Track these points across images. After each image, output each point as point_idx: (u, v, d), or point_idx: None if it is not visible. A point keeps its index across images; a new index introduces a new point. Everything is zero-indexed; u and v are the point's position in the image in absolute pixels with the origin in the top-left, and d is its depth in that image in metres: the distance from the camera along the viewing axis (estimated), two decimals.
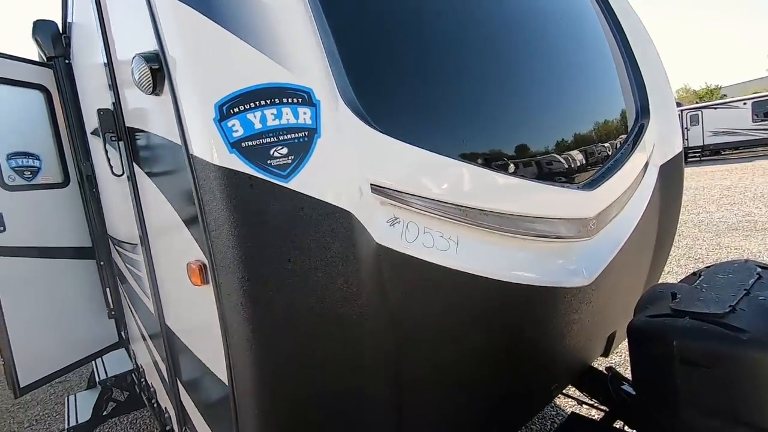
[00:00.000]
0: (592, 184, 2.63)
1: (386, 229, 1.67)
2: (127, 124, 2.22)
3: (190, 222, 1.53)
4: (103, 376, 4.88)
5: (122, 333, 4.71)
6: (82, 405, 4.92)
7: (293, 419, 1.51)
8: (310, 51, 1.50)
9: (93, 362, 5.07)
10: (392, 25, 1.87)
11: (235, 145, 1.32)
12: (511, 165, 2.11)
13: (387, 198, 1.68)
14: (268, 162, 1.34)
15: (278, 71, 1.40)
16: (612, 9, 3.45)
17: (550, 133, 2.43)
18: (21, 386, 4.06)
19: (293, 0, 1.55)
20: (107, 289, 4.61)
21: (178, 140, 1.41)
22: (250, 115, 1.33)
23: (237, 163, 1.31)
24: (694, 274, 2.35)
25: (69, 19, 3.87)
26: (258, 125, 1.34)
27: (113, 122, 2.25)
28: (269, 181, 1.34)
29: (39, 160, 4.28)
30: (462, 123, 1.99)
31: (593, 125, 2.84)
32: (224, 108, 1.31)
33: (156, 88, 1.48)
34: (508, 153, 2.14)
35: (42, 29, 4.12)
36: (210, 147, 1.31)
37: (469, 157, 1.92)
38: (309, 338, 1.43)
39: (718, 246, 8.57)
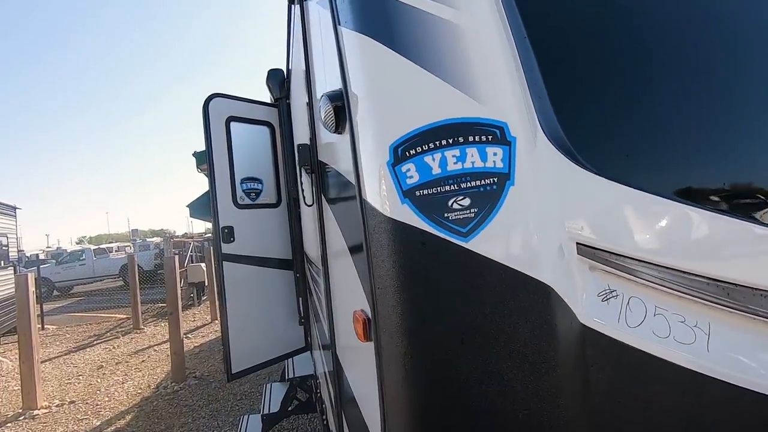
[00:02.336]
0: None
1: (597, 305, 1.22)
2: (319, 158, 2.34)
3: (359, 269, 1.42)
4: (291, 374, 5.50)
5: (308, 339, 5.22)
6: (276, 395, 5.63)
7: None
8: (503, 77, 1.21)
9: (286, 361, 5.78)
10: (612, 37, 1.42)
11: (408, 194, 1.12)
12: None
13: (599, 262, 1.23)
14: (446, 215, 1.10)
15: (463, 103, 1.15)
16: None
17: None
18: (232, 372, 4.80)
19: (485, 17, 1.28)
20: (299, 299, 5.17)
21: (353, 180, 1.30)
22: (428, 158, 1.12)
23: (409, 215, 1.11)
24: None
25: (290, 66, 4.56)
26: (436, 170, 1.11)
27: (309, 156, 2.39)
28: (444, 239, 1.10)
29: (261, 183, 5.11)
30: (717, 160, 1.37)
31: None
32: (399, 150, 1.13)
33: (338, 127, 1.41)
34: None
35: (273, 76, 4.97)
36: (381, 194, 1.15)
37: (730, 207, 1.30)
38: None
39: None
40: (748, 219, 1.32)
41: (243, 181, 4.98)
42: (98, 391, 7.72)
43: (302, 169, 2.42)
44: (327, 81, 1.73)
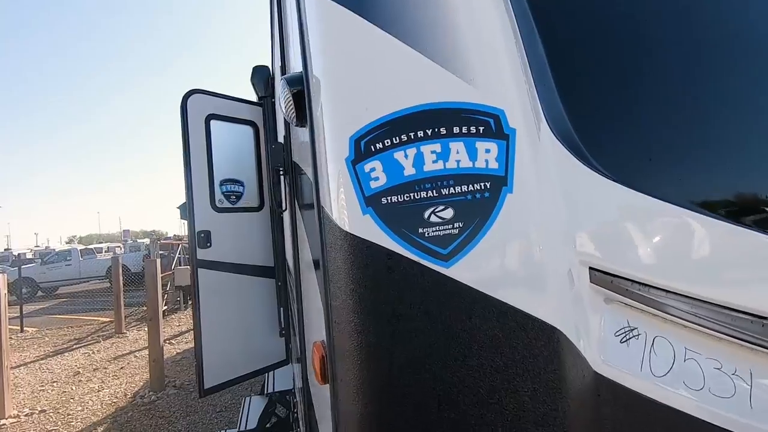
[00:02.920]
0: None
1: (614, 347, 0.96)
2: (293, 159, 2.08)
3: (321, 291, 1.15)
4: (271, 388, 5.19)
5: (289, 351, 4.93)
6: (254, 410, 5.31)
7: None
8: (500, 51, 0.94)
9: (266, 374, 5.47)
10: (633, 15, 1.17)
11: (371, 201, 0.85)
12: None
13: (617, 292, 0.97)
14: (421, 231, 0.83)
15: (447, 82, 0.88)
16: None
17: None
18: (205, 388, 4.49)
19: None
20: (281, 309, 4.88)
21: (312, 182, 1.04)
22: (398, 155, 0.85)
23: (371, 230, 0.84)
24: None
25: (275, 62, 4.30)
26: (409, 170, 0.84)
27: (281, 156, 2.14)
28: (418, 263, 0.82)
29: (243, 186, 4.83)
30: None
31: None
32: (362, 143, 0.86)
33: (300, 118, 1.15)
34: None
35: (258, 73, 4.71)
36: (338, 200, 0.87)
37: None
38: None
39: None
40: None
41: (223, 183, 4.70)
42: (72, 400, 7.38)
43: (275, 170, 2.17)
44: (295, 69, 1.47)
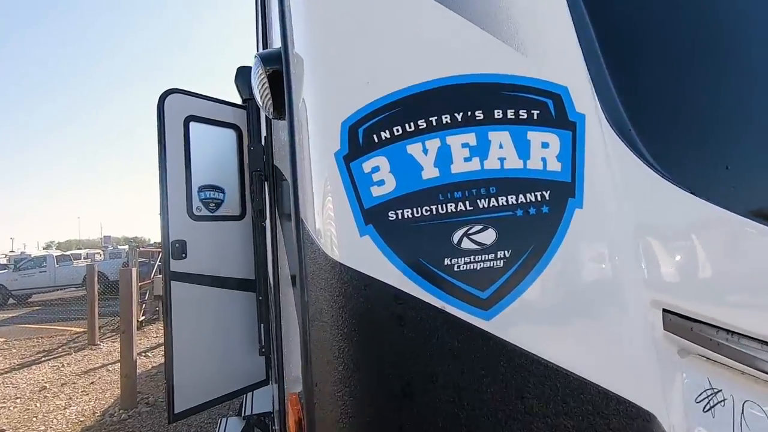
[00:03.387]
0: None
1: (696, 417, 0.70)
2: (274, 162, 1.81)
3: (300, 343, 0.86)
4: (249, 410, 4.85)
5: (269, 371, 4.62)
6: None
7: None
8: (557, 17, 0.67)
9: (245, 395, 5.13)
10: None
11: (373, 216, 0.57)
12: None
13: (697, 343, 0.72)
14: (447, 263, 0.55)
15: (485, 47, 0.61)
16: None
17: None
18: (175, 412, 4.13)
19: None
20: (261, 325, 4.56)
21: (291, 188, 0.77)
22: (413, 148, 0.58)
23: (373, 259, 0.56)
24: None
25: None
26: (430, 172, 0.57)
27: (260, 158, 1.87)
28: (445, 312, 0.55)
29: (223, 193, 4.54)
30: None
31: None
32: (360, 131, 0.59)
33: (278, 107, 0.88)
34: None
35: (242, 74, 4.45)
36: (323, 215, 0.60)
37: None
38: None
39: None
40: None
41: (201, 189, 4.39)
42: (35, 418, 6.88)
43: (255, 175, 1.90)
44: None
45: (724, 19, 0.81)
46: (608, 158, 0.60)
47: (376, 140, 0.58)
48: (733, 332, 0.74)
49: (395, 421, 0.53)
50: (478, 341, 0.53)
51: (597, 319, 0.55)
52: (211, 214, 4.51)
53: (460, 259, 0.55)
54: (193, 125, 4.46)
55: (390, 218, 0.57)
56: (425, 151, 0.57)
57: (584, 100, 0.60)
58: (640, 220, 0.67)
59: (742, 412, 0.74)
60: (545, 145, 0.57)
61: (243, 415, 5.11)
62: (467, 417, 0.51)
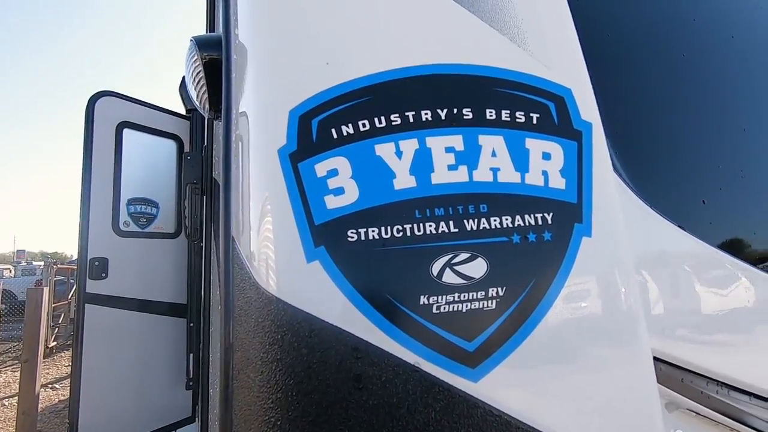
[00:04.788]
0: None
1: None
2: (214, 175, 1.62)
3: (219, 397, 0.66)
4: None
5: (196, 407, 4.16)
6: None
7: None
8: (562, 16, 0.58)
9: None
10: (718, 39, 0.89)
11: (325, 235, 0.42)
12: None
13: (687, 396, 0.64)
14: (424, 303, 0.42)
15: (479, 34, 0.50)
16: None
17: None
18: None
19: None
20: (190, 355, 4.13)
21: (222, 196, 0.60)
22: (383, 149, 0.44)
23: (324, 294, 0.41)
24: None
25: None
26: (404, 180, 0.44)
27: (199, 170, 1.67)
28: (420, 370, 0.42)
29: (157, 207, 4.17)
30: None
31: None
32: (314, 123, 0.45)
33: (213, 103, 0.73)
34: None
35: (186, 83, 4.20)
36: (259, 232, 0.45)
37: None
38: None
39: None
40: None
41: (131, 202, 3.99)
42: None
43: (186, 189, 1.69)
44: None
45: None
46: (618, 185, 0.51)
47: (335, 136, 0.44)
48: (723, 384, 0.66)
49: None
50: (462, 410, 0.39)
51: (609, 380, 0.44)
52: (140, 230, 4.11)
53: (440, 297, 0.42)
54: (127, 132, 4.11)
55: (349, 239, 0.42)
56: (399, 153, 0.44)
57: (591, 106, 0.50)
58: (637, 254, 0.58)
59: None
60: (546, 156, 0.46)
61: None
62: None
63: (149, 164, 4.19)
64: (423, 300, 0.41)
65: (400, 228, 0.42)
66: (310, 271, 0.41)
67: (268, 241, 0.43)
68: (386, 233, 0.42)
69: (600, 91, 0.52)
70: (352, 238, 0.42)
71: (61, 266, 13.74)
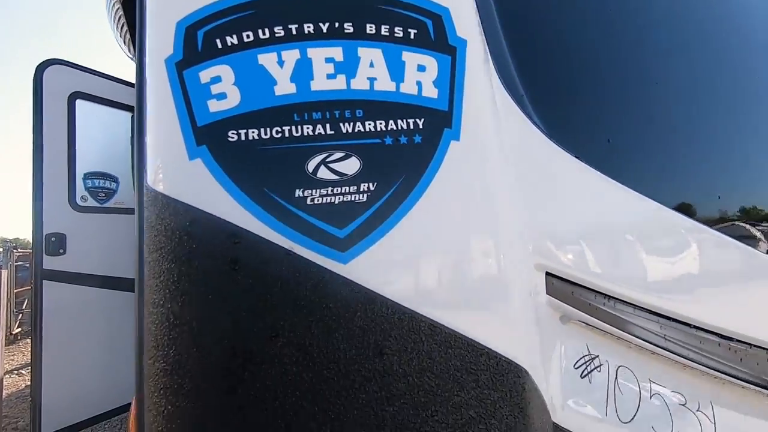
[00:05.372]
0: None
1: (574, 384, 0.68)
2: None
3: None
4: None
5: None
6: None
7: None
8: None
9: None
10: None
11: (207, 136, 0.45)
12: None
13: (577, 308, 0.71)
14: (299, 195, 0.45)
15: None
16: None
17: None
18: None
19: None
20: None
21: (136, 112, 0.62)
22: (266, 58, 0.47)
23: (204, 188, 0.44)
24: None
25: None
26: (285, 86, 0.47)
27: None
28: (293, 253, 0.46)
29: (116, 182, 4.04)
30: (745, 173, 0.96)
31: None
32: (199, 34, 0.47)
33: (134, 40, 0.73)
34: None
35: None
36: (156, 133, 0.48)
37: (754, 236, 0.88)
38: None
39: None
40: None
41: (88, 176, 3.86)
42: None
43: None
44: None
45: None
46: (493, 98, 0.55)
47: (220, 46, 0.47)
48: (609, 297, 0.74)
49: (230, 387, 0.42)
50: (332, 288, 0.43)
51: (470, 267, 0.49)
52: (99, 205, 3.99)
53: (315, 190, 0.46)
54: (80, 104, 3.93)
55: (230, 139, 0.45)
56: (281, 62, 0.47)
57: (467, 25, 0.54)
58: (523, 174, 0.64)
59: (616, 378, 0.74)
60: (421, 68, 0.50)
61: None
62: (314, 381, 0.41)
63: (106, 137, 4.04)
64: (298, 193, 0.45)
65: (279, 130, 0.46)
66: (192, 167, 0.44)
67: (155, 143, 0.46)
68: (265, 134, 0.45)
69: (483, 8, 0.56)
70: (233, 138, 0.45)
71: (22, 251, 13.19)
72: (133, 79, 3.26)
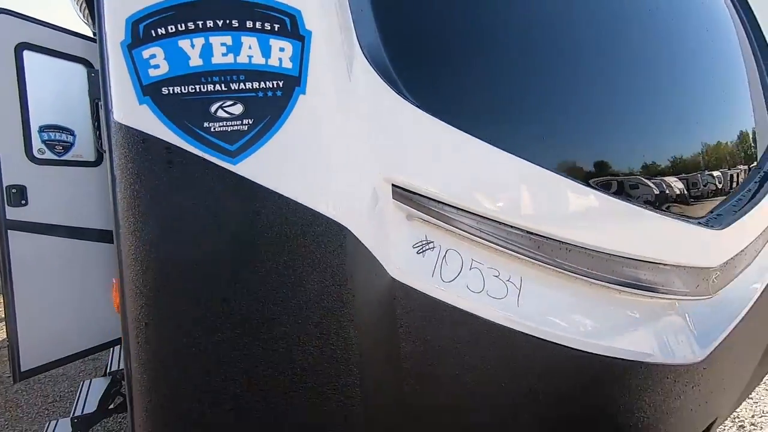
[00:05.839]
0: (719, 220, 1.85)
1: (411, 257, 1.06)
2: None
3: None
4: (114, 366, 4.65)
5: None
6: (94, 393, 4.70)
7: None
8: None
9: (111, 349, 4.88)
10: None
11: (150, 91, 0.78)
12: (611, 181, 1.43)
13: (418, 210, 1.08)
14: (206, 125, 0.79)
15: None
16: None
17: (669, 144, 1.70)
18: (22, 370, 3.83)
19: None
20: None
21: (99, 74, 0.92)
22: (184, 43, 0.79)
23: (148, 121, 0.78)
24: None
25: None
26: (196, 61, 0.79)
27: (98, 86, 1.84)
28: (202, 158, 0.79)
29: (73, 135, 4.10)
30: (547, 113, 1.34)
31: (729, 139, 2.05)
32: (141, 27, 0.78)
33: (92, 16, 0.99)
34: (607, 164, 1.46)
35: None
36: (114, 91, 0.79)
37: (550, 162, 1.27)
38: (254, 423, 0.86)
39: None
40: (569, 176, 1.31)
41: (44, 129, 3.92)
42: None
43: (96, 105, 1.87)
44: None
45: None
46: (340, 68, 0.88)
47: (153, 34, 0.77)
48: (440, 202, 1.11)
49: (168, 237, 0.76)
50: (227, 178, 0.77)
51: (315, 170, 0.85)
52: (57, 158, 4.08)
53: (215, 123, 0.79)
54: (28, 55, 3.93)
55: (163, 93, 0.77)
56: (192, 45, 0.78)
57: (319, 19, 0.87)
58: (381, 122, 0.97)
59: (444, 256, 1.12)
60: (282, 49, 0.82)
61: (107, 372, 4.85)
62: (216, 231, 0.76)
63: (60, 90, 4.08)
64: (205, 124, 0.78)
65: (193, 87, 0.78)
66: (141, 109, 0.76)
67: (120, 93, 0.77)
68: (185, 90, 0.77)
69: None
70: (165, 92, 0.77)
71: None
72: (82, 32, 3.35)
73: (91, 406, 4.61)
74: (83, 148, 4.25)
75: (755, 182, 2.27)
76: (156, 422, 0.82)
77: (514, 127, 1.25)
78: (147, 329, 0.76)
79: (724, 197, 2.10)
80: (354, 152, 0.91)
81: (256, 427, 0.85)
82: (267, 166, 0.81)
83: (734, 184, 2.20)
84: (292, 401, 0.84)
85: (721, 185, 2.09)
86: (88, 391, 5.04)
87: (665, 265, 1.62)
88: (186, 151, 0.77)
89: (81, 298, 4.31)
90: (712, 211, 1.96)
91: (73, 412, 4.61)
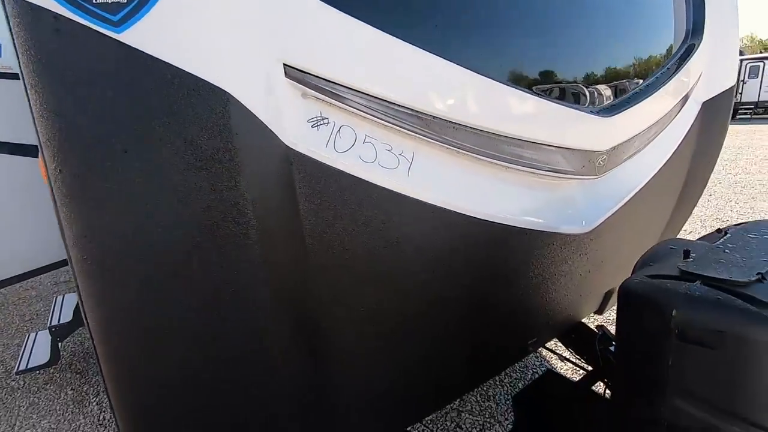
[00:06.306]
0: (609, 110, 2.08)
1: (305, 129, 1.23)
2: None
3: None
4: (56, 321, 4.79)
5: None
6: (68, 306, 4.93)
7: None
8: None
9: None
10: None
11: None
12: (500, 66, 1.60)
13: (312, 89, 1.23)
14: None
15: None
16: None
17: (564, 33, 1.85)
18: None
19: None
20: None
21: None
22: None
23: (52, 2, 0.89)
24: (718, 231, 1.87)
25: None
26: None
27: None
28: (88, 27, 0.91)
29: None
30: None
31: (624, 35, 2.22)
32: None
33: None
34: (498, 48, 1.61)
35: None
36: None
37: (439, 46, 1.41)
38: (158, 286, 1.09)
39: (752, 210, 7.84)
40: (457, 61, 1.46)
41: None
42: None
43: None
44: None
45: None
46: None
47: None
48: (332, 81, 1.26)
49: (70, 102, 0.91)
50: (113, 49, 0.91)
51: (199, 39, 0.98)
52: None
53: None
54: None
55: None
56: None
57: None
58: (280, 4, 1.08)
59: (338, 131, 1.30)
60: None
61: (50, 326, 4.95)
62: (106, 98, 0.92)
63: None
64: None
65: None
66: None
67: None
68: None
69: None
70: None
71: None
72: None
73: (66, 317, 4.87)
74: (9, 59, 4.00)
75: (656, 76, 2.48)
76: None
77: (404, 13, 1.37)
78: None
79: (624, 90, 2.32)
80: (243, 27, 1.03)
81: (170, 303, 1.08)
82: (150, 37, 0.93)
83: (636, 79, 2.41)
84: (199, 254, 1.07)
85: (621, 79, 2.29)
86: (62, 304, 5.28)
87: (553, 147, 1.86)
88: (72, 20, 0.88)
89: (30, 215, 4.28)
90: (607, 102, 2.18)
91: (49, 322, 4.87)
